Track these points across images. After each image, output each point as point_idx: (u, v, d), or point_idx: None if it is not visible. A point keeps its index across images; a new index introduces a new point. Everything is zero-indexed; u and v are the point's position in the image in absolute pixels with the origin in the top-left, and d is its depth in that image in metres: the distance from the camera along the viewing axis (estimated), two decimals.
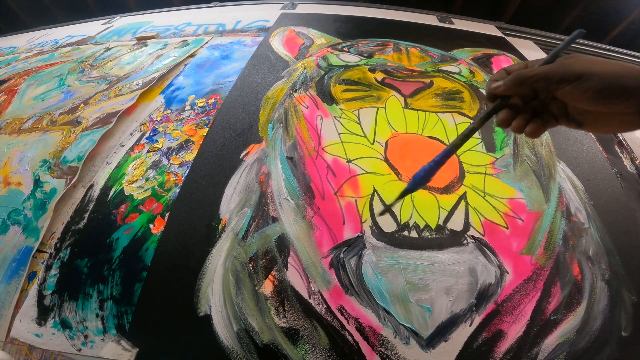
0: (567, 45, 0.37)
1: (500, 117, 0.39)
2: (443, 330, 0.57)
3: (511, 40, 1.45)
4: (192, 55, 1.20)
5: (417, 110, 0.89)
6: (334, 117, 0.86)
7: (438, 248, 0.64)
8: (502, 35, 1.50)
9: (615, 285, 0.65)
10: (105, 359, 0.56)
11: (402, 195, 0.44)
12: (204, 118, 0.89)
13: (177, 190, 0.73)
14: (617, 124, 0.35)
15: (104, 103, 0.99)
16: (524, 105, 0.39)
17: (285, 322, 0.57)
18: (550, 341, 0.58)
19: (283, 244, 0.64)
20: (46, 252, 0.68)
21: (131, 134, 0.88)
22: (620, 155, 0.91)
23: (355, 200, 0.70)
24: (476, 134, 0.84)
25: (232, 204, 0.69)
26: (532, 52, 1.38)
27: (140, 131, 0.88)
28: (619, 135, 0.95)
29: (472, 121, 0.60)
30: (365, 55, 1.12)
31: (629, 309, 0.63)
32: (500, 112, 0.39)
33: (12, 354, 0.57)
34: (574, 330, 0.59)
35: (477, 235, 0.67)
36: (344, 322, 0.57)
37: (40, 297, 0.62)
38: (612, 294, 0.64)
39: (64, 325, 0.59)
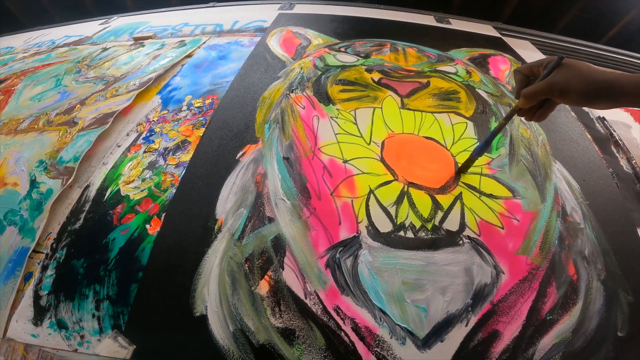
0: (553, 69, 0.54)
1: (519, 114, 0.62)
2: (439, 331, 0.57)
3: (508, 40, 1.45)
4: (189, 56, 1.20)
5: (414, 110, 0.89)
6: (331, 117, 0.86)
7: (434, 248, 0.64)
8: (499, 36, 1.50)
9: (611, 285, 0.65)
10: (102, 357, 0.56)
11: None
12: (201, 118, 0.88)
13: (174, 190, 0.72)
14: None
15: (101, 103, 0.99)
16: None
17: (281, 323, 0.57)
18: (546, 341, 0.58)
19: (279, 245, 0.64)
20: (42, 253, 0.67)
21: (128, 135, 0.88)
22: (617, 155, 0.91)
23: (352, 201, 0.70)
24: (473, 134, 0.85)
25: (228, 204, 0.69)
26: (529, 52, 1.39)
27: (137, 131, 0.88)
28: (615, 135, 0.95)
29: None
30: (362, 55, 1.12)
31: (625, 309, 0.63)
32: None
33: (8, 353, 0.57)
34: (570, 331, 0.59)
35: (472, 235, 0.67)
36: (340, 322, 0.57)
37: (37, 297, 0.62)
38: (608, 294, 0.64)
39: (60, 325, 0.59)
